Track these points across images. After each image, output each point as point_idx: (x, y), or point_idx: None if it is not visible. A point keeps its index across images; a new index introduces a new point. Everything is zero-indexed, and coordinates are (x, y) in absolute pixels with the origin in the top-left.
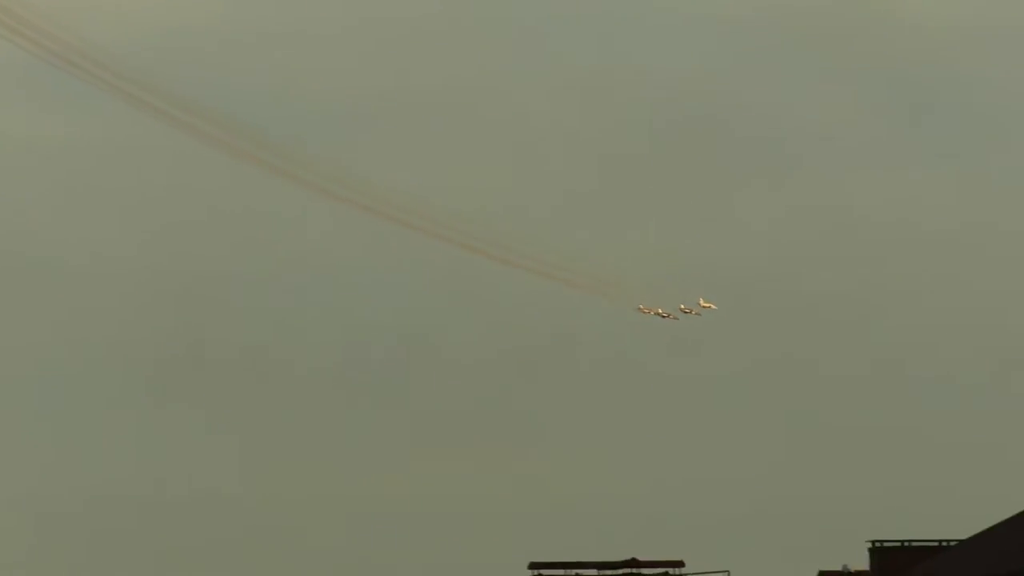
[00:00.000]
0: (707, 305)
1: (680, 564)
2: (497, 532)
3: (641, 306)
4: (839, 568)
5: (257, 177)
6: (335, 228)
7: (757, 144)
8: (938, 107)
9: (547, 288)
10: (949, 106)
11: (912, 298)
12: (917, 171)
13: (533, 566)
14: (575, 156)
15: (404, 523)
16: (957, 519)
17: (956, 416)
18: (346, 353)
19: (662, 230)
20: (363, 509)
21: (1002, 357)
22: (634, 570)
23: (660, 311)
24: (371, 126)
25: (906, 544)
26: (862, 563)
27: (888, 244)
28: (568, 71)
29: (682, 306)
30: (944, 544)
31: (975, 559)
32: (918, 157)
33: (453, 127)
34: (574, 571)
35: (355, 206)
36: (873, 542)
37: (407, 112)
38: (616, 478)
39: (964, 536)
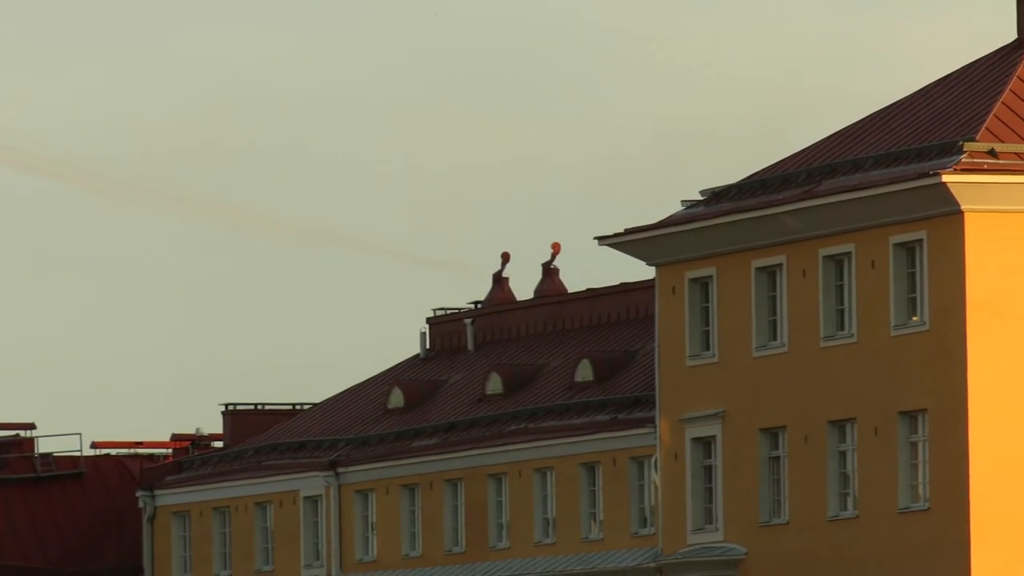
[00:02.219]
0: None
1: (32, 427)
2: None
3: None
4: (192, 432)
5: None
6: None
7: None
8: None
9: None
10: None
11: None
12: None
13: None
14: None
15: None
16: (309, 383)
17: (303, 281)
18: None
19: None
20: None
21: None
22: None
23: None
24: None
25: (259, 407)
26: (216, 426)
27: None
28: None
29: None
30: (297, 407)
31: (325, 421)
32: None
33: None
34: None
35: None
36: (226, 405)
37: None
38: None
39: (316, 400)
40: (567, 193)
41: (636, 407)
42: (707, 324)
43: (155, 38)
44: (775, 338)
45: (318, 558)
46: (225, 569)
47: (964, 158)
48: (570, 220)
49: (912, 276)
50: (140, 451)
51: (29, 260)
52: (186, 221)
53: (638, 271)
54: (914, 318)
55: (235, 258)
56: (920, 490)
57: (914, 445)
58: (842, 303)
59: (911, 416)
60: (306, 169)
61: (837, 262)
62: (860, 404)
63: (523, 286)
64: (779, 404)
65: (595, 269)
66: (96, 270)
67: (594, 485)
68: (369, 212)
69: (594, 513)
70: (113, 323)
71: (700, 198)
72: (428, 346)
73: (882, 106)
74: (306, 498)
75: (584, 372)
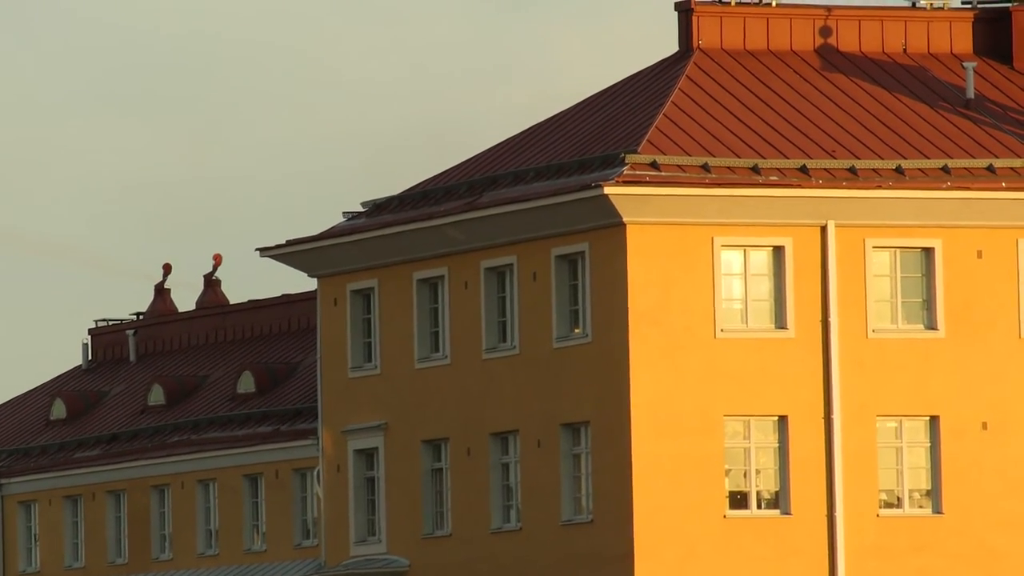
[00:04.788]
0: None
1: None
2: None
3: None
4: None
5: None
6: None
7: None
8: None
9: None
10: None
11: None
12: None
13: None
14: None
15: None
16: None
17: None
18: None
19: None
20: None
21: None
22: None
23: None
24: None
25: None
26: None
27: None
28: None
29: None
30: None
31: None
32: None
33: None
34: None
35: None
36: None
37: None
38: None
39: None
40: (228, 204)
41: (298, 418)
42: (369, 336)
43: None
44: (437, 350)
45: None
46: None
47: (626, 170)
48: (232, 232)
49: (575, 288)
50: None
51: None
52: None
53: (300, 282)
54: (576, 330)
55: None
56: (583, 502)
57: (577, 457)
58: (504, 315)
59: (574, 428)
60: None
61: (499, 274)
62: (523, 416)
63: (185, 297)
64: (442, 416)
65: (257, 281)
66: None
67: (257, 496)
68: (29, 221)
69: (257, 525)
70: None
71: (361, 209)
72: (90, 357)
73: (545, 117)
74: None
75: (246, 383)
